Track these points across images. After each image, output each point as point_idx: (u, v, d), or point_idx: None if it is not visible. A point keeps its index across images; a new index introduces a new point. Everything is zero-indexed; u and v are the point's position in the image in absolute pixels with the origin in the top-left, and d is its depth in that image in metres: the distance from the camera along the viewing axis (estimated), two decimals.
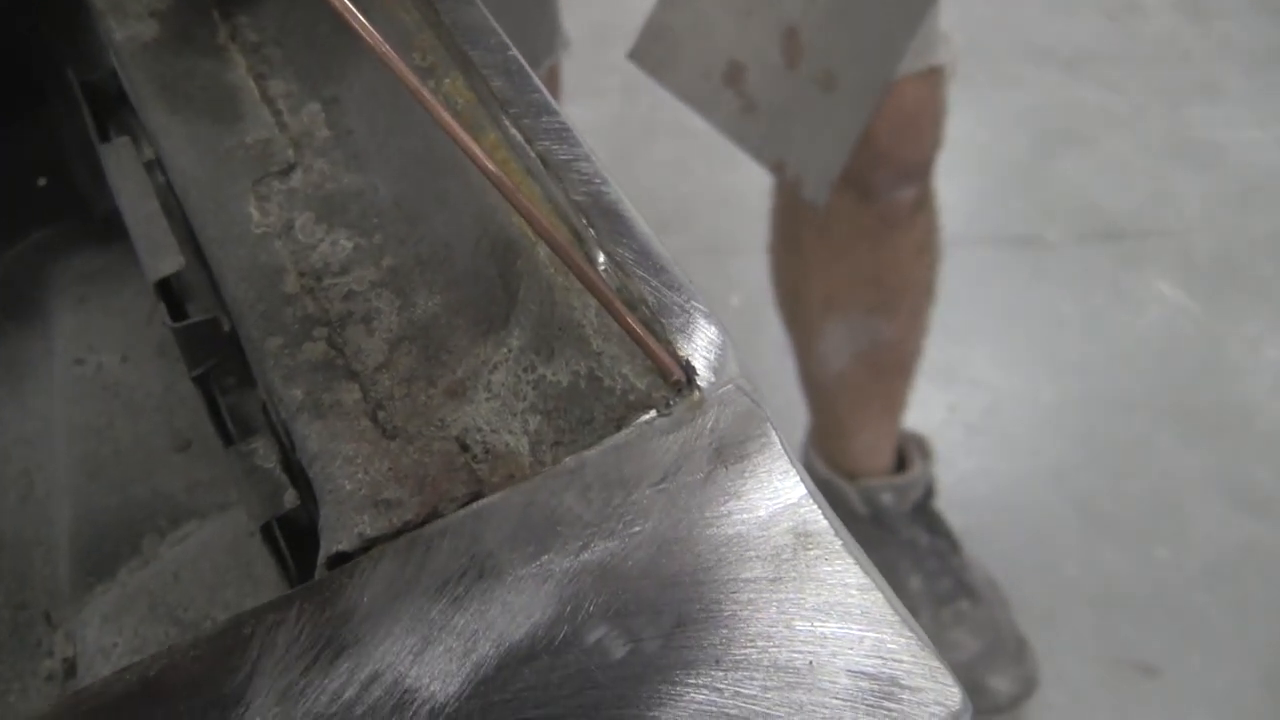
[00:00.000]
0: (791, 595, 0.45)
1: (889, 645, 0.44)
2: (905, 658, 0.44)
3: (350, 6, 0.49)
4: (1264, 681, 1.80)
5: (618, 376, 0.51)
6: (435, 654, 0.43)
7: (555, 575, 0.45)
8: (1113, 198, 2.51)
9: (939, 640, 1.81)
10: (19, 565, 0.71)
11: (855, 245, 1.61)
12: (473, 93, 0.61)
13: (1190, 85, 2.76)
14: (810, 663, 0.44)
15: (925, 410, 2.06)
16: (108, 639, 0.64)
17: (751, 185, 1.85)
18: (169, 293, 0.63)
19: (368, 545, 0.47)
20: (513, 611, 0.44)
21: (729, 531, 0.46)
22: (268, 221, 0.62)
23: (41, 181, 0.86)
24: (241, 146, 0.65)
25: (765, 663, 0.44)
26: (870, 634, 0.44)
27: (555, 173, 0.56)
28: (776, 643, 0.44)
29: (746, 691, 0.43)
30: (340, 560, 0.47)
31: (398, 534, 0.48)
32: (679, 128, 2.42)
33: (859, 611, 0.45)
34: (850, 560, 0.46)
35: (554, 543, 0.46)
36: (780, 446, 0.49)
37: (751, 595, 0.45)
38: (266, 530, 0.56)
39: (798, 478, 0.48)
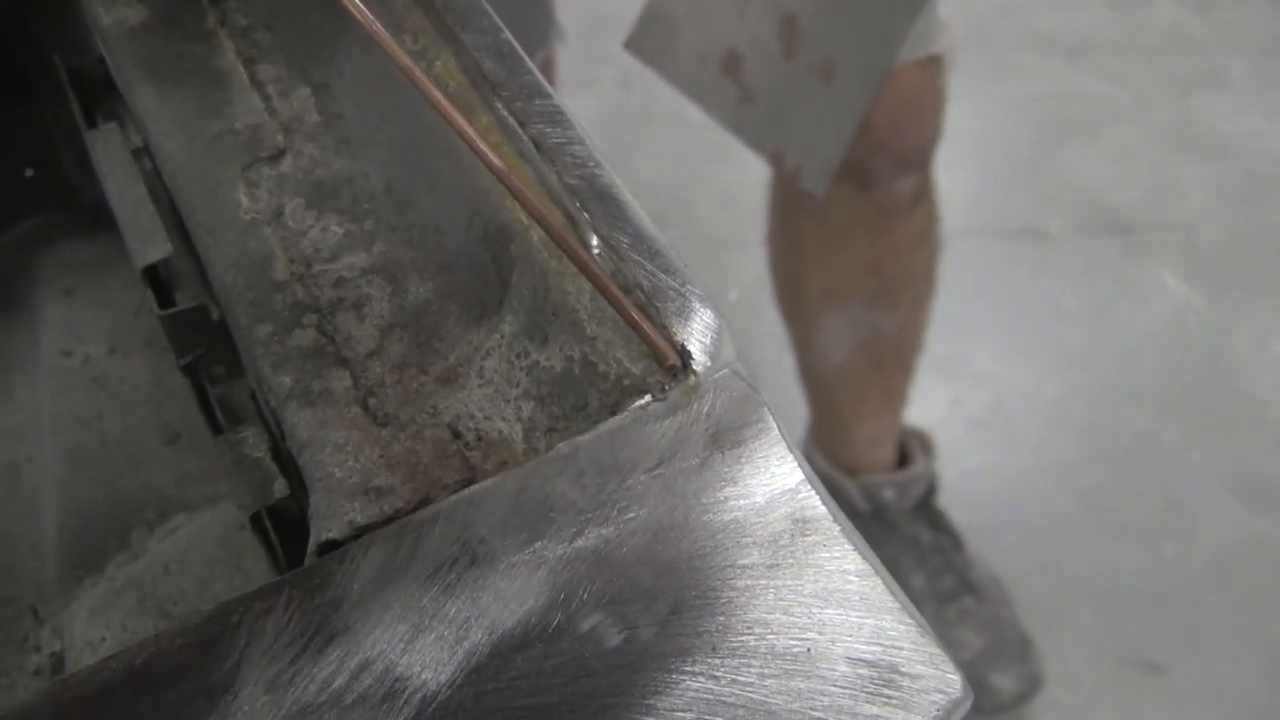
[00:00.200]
0: (789, 581, 0.45)
1: (889, 632, 0.44)
2: (905, 644, 0.44)
3: None
4: (1273, 680, 1.80)
5: (612, 361, 0.51)
6: (427, 642, 0.43)
7: (549, 562, 0.45)
8: (1117, 189, 2.51)
9: (942, 639, 1.80)
10: (5, 559, 0.71)
11: (854, 236, 1.61)
12: (464, 75, 0.61)
13: (1195, 75, 2.76)
14: (809, 650, 0.44)
15: (927, 405, 2.06)
16: (95, 633, 0.64)
17: (750, 178, 1.85)
18: (157, 280, 0.63)
19: (358, 533, 0.47)
20: (505, 599, 0.44)
21: (725, 517, 0.47)
22: (257, 207, 0.62)
23: (29, 172, 0.86)
24: (230, 132, 0.65)
25: (763, 650, 0.44)
26: (869, 620, 0.45)
27: (549, 156, 0.56)
28: (774, 630, 0.44)
29: (744, 679, 0.43)
30: (330, 548, 0.47)
31: (388, 521, 0.48)
32: (676, 119, 2.42)
33: (858, 598, 0.45)
34: (849, 546, 0.46)
35: (547, 529, 0.46)
36: (778, 431, 0.49)
37: (749, 582, 0.45)
38: (256, 520, 0.56)
39: (795, 463, 0.48)
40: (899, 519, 1.85)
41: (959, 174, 2.31)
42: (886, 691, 0.43)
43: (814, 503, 0.47)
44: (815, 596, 0.45)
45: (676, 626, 0.44)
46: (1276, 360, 2.20)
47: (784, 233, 1.72)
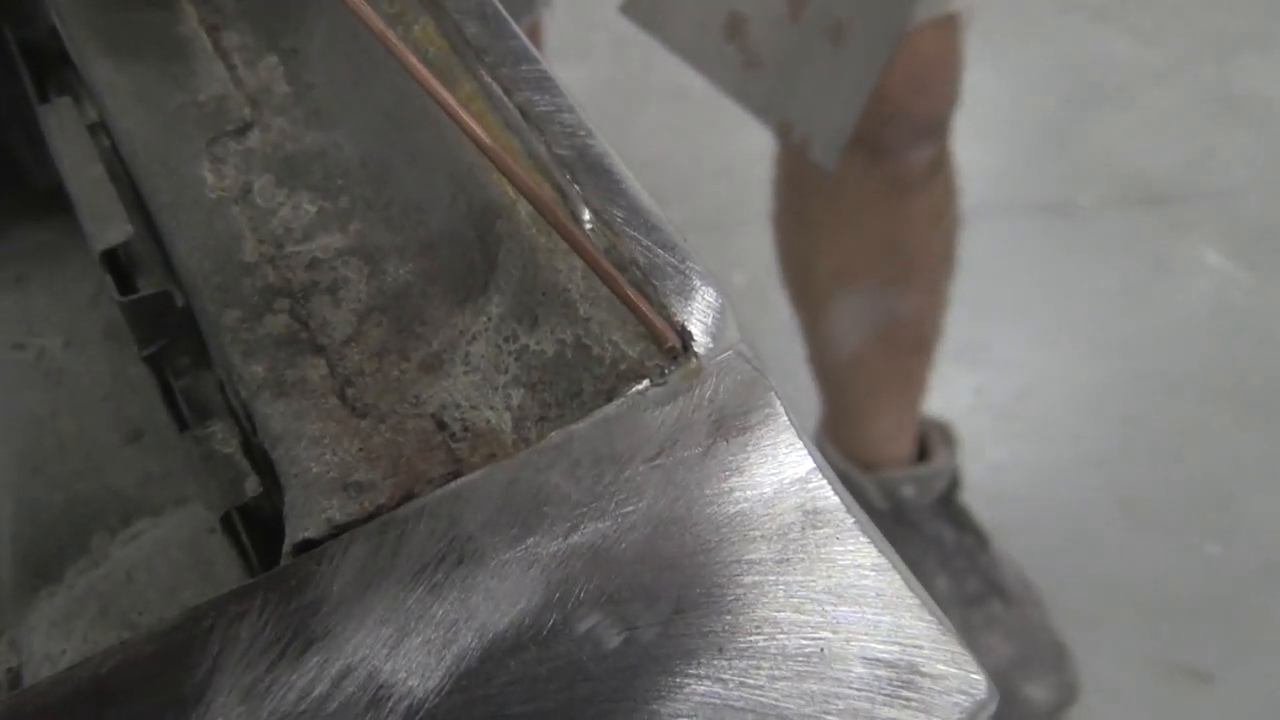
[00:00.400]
0: (800, 577, 0.46)
1: (907, 630, 0.45)
2: (925, 643, 0.45)
3: None
4: None
5: (607, 344, 0.52)
6: (412, 646, 0.44)
7: (542, 559, 0.46)
8: (1152, 159, 2.51)
9: (969, 646, 1.81)
10: None
11: (867, 212, 1.62)
12: (445, 40, 0.61)
13: (1236, 34, 2.76)
14: (822, 650, 0.44)
15: (949, 394, 2.06)
16: (55, 646, 0.64)
17: (756, 151, 1.85)
18: (116, 265, 0.63)
19: (337, 531, 0.48)
20: (496, 599, 0.45)
21: (731, 510, 0.47)
22: (223, 185, 0.62)
23: None
24: (194, 104, 0.65)
25: (773, 650, 0.44)
26: (887, 618, 0.45)
27: (536, 125, 0.57)
28: (785, 629, 0.45)
29: (752, 682, 0.44)
30: (307, 548, 0.47)
31: (369, 518, 0.48)
32: (675, 89, 2.43)
33: (874, 594, 0.46)
34: (864, 539, 0.47)
35: (540, 524, 0.47)
36: (786, 418, 0.49)
37: (757, 578, 0.46)
38: (227, 522, 0.56)
39: (805, 451, 0.49)
40: (920, 517, 1.85)
41: (979, 144, 2.31)
42: (906, 693, 0.44)
43: (826, 493, 0.48)
44: (828, 593, 0.45)
45: (680, 626, 0.44)
46: None
47: (791, 210, 1.72)
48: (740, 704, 0.43)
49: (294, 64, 0.67)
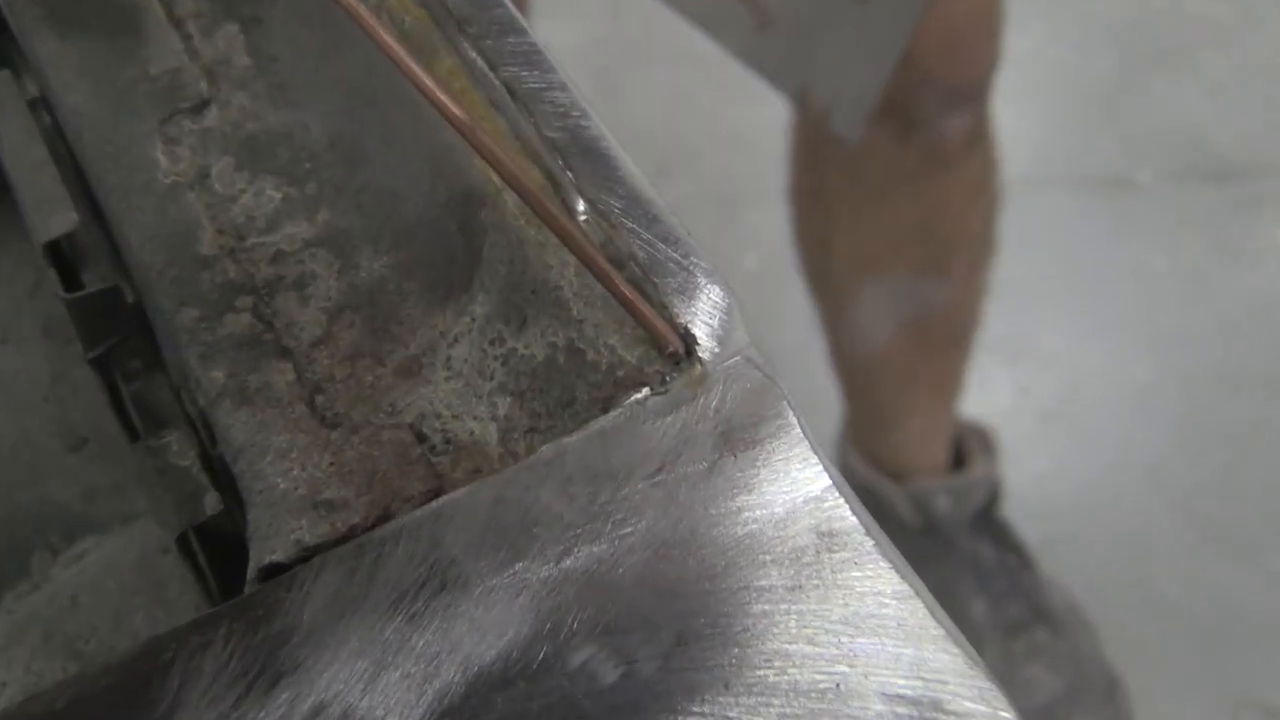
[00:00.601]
0: (814, 606, 0.46)
1: (931, 663, 0.46)
2: (951, 678, 0.45)
3: None
4: None
5: (603, 348, 0.53)
6: (391, 681, 0.45)
7: (532, 586, 0.47)
8: (1219, 129, 2.51)
9: (1010, 679, 1.81)
10: None
11: (896, 190, 1.62)
12: (423, 9, 0.62)
13: None
14: (837, 685, 0.45)
15: (988, 393, 2.07)
16: None
17: (770, 119, 1.86)
18: (60, 257, 0.63)
19: (307, 554, 0.49)
20: (482, 629, 0.46)
21: (739, 531, 0.48)
22: (178, 169, 0.63)
23: None
24: (145, 79, 0.65)
25: (784, 686, 0.45)
26: (908, 650, 0.46)
27: (524, 104, 0.57)
28: (796, 662, 0.45)
29: None
30: (274, 572, 0.48)
31: (342, 540, 0.49)
32: (678, 49, 2.42)
33: (895, 624, 0.46)
34: (884, 564, 0.48)
35: (530, 547, 0.47)
36: (800, 430, 0.50)
37: (767, 606, 0.46)
38: (183, 542, 0.57)
39: (820, 466, 0.49)
40: (955, 533, 1.85)
41: (1024, 111, 2.32)
42: None
43: (843, 513, 0.49)
44: (845, 623, 0.46)
45: (683, 660, 0.45)
46: None
47: (810, 187, 1.72)
48: None
49: (256, 33, 0.67)
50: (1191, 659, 1.89)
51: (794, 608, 0.47)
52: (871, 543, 0.48)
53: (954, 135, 1.60)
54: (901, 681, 0.45)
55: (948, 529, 1.85)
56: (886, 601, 0.47)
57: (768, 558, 0.48)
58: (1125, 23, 2.71)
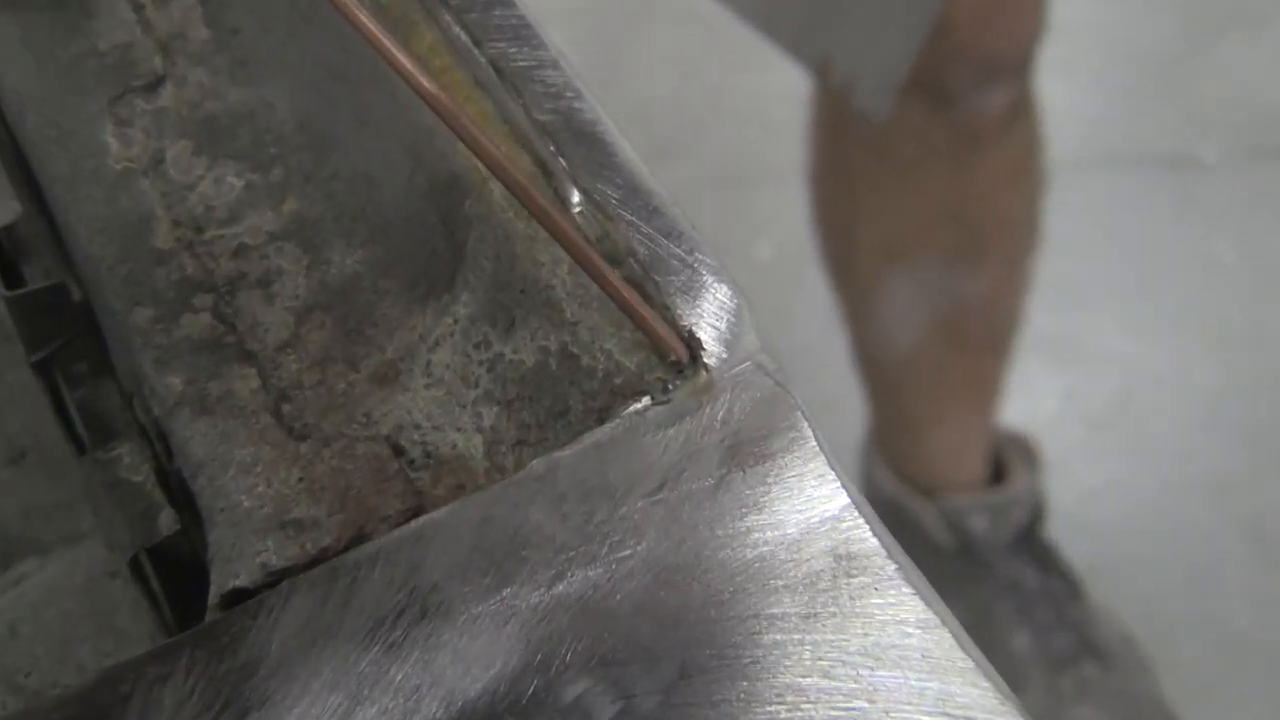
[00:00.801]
0: (831, 636, 0.47)
1: (958, 698, 0.46)
2: (980, 714, 0.46)
3: None
4: None
5: (599, 353, 0.54)
6: (367, 717, 0.46)
7: (521, 613, 0.48)
8: None
9: None
10: None
11: (927, 171, 1.62)
12: None
13: None
14: None
15: (1031, 399, 2.06)
16: None
17: (786, 90, 1.86)
18: (0, 252, 0.65)
19: (274, 578, 0.50)
20: (466, 661, 0.47)
21: (748, 554, 0.49)
22: (130, 154, 0.63)
23: None
24: (93, 54, 0.66)
25: None
26: (933, 684, 0.47)
27: (512, 84, 0.58)
28: (811, 698, 0.46)
29: None
30: (239, 598, 0.49)
31: (313, 563, 0.50)
32: (683, 11, 2.43)
33: (919, 655, 0.47)
34: (907, 590, 0.49)
35: (519, 571, 0.48)
36: (815, 443, 0.51)
37: (778, 636, 0.47)
38: (134, 566, 0.57)
39: (838, 483, 0.50)
40: (993, 556, 1.85)
41: (1073, 84, 2.32)
42: None
43: (862, 534, 0.49)
44: (864, 654, 0.47)
45: (686, 694, 0.46)
46: None
47: (831, 169, 1.72)
48: None
49: (215, 4, 0.68)
50: (1257, 695, 1.89)
51: (808, 638, 0.47)
52: (894, 566, 0.49)
53: (992, 111, 1.59)
54: (925, 718, 0.46)
55: (984, 551, 1.85)
56: (910, 631, 0.48)
57: (780, 583, 0.48)
58: None
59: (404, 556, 0.49)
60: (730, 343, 0.53)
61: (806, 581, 0.49)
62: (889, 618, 0.48)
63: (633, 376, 0.53)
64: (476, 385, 0.56)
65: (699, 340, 0.53)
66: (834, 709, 0.46)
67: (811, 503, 0.50)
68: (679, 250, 0.54)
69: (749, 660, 0.47)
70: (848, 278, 1.79)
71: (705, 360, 0.52)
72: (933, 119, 1.59)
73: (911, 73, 1.45)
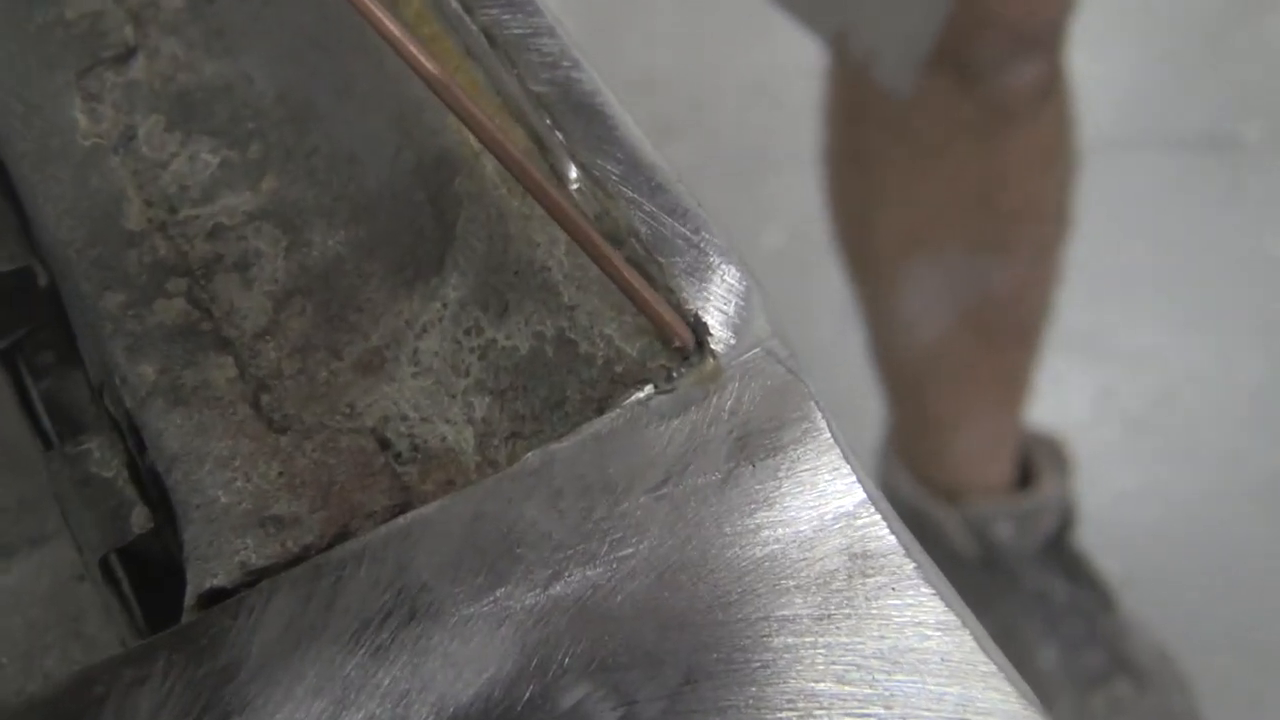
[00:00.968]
0: (845, 639, 0.48)
1: (979, 703, 0.47)
2: None
3: None
4: None
5: (598, 339, 0.54)
6: None
7: (515, 615, 0.48)
8: None
9: None
10: None
11: (951, 152, 1.62)
12: None
13: None
14: None
15: (1062, 398, 2.06)
16: None
17: (798, 65, 1.86)
18: None
19: (254, 577, 0.50)
20: (457, 665, 0.47)
21: (758, 553, 0.49)
22: (100, 129, 0.64)
23: None
24: (60, 24, 0.66)
25: None
26: (953, 689, 0.47)
27: (506, 53, 0.59)
28: (824, 703, 0.47)
29: None
30: (217, 598, 0.50)
31: (295, 561, 0.50)
32: None
33: (938, 659, 0.48)
34: (926, 590, 0.49)
35: (513, 571, 0.49)
36: (829, 434, 0.52)
37: (789, 639, 0.48)
38: (105, 567, 0.58)
39: (854, 477, 0.51)
40: (1020, 566, 1.86)
41: (1109, 59, 2.32)
42: None
43: (879, 531, 0.50)
44: (880, 658, 0.48)
45: (691, 700, 0.47)
46: None
47: (848, 149, 1.72)
48: None
49: None
50: None
51: (821, 640, 0.48)
52: (912, 565, 0.49)
53: (1021, 88, 1.59)
54: None
55: (1011, 560, 1.85)
56: (929, 633, 0.48)
57: (791, 583, 0.49)
58: None
59: (391, 555, 0.49)
60: (739, 328, 0.53)
61: (820, 581, 0.49)
62: (907, 619, 0.49)
63: (634, 364, 0.53)
64: (467, 374, 0.56)
65: (705, 325, 0.53)
66: (848, 715, 0.47)
67: (825, 498, 0.51)
68: (684, 229, 0.55)
69: (758, 665, 0.47)
70: (865, 267, 1.79)
71: (712, 346, 0.53)
72: (958, 96, 1.58)
73: (935, 46, 1.45)
